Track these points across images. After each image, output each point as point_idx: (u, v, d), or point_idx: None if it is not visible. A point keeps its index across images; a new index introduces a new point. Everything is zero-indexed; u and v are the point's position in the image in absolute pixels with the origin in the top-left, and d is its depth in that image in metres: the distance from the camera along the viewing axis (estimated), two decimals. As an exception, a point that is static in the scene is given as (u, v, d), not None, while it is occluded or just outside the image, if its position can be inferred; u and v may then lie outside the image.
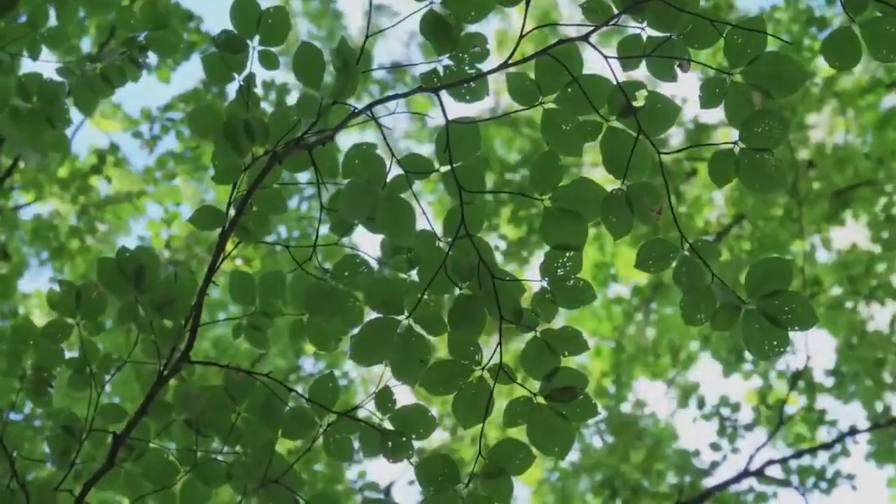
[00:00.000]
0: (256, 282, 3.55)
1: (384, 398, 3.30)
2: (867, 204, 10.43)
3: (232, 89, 3.44)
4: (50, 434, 3.73)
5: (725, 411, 10.20)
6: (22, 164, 9.60)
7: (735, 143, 2.82)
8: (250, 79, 3.39)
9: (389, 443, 3.27)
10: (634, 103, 2.82)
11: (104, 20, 8.31)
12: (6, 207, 9.97)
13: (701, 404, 10.45)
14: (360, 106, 3.13)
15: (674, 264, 2.92)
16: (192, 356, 3.46)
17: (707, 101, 2.82)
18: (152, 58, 4.46)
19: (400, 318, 2.94)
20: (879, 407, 10.35)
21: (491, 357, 2.85)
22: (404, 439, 3.25)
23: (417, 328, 2.91)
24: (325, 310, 3.40)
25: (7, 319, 9.76)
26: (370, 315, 3.40)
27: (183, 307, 3.50)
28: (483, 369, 2.86)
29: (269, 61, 3.40)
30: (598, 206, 2.88)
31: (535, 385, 2.92)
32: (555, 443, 2.86)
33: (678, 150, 3.11)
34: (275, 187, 3.39)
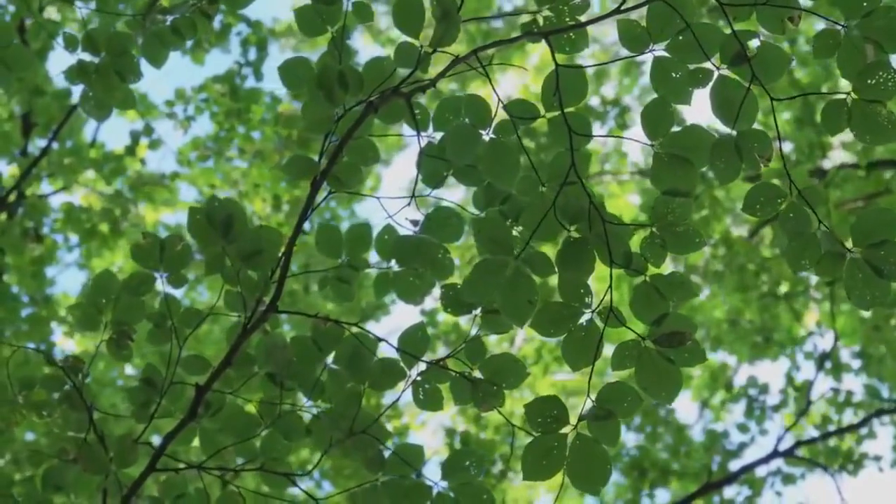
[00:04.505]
0: (343, 234, 3.55)
1: (475, 348, 3.32)
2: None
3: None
4: (130, 387, 3.72)
5: (753, 392, 10.22)
6: (55, 146, 9.54)
7: (847, 93, 2.84)
8: (344, 30, 3.40)
9: (480, 392, 3.28)
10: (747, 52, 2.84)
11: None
12: (34, 196, 9.88)
13: (729, 386, 10.48)
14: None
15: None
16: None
17: (820, 52, 2.84)
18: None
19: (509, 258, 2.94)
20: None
21: (601, 300, 2.86)
22: (495, 388, 3.27)
23: (526, 269, 2.92)
24: (416, 261, 3.41)
25: (36, 307, 9.67)
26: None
27: (269, 258, 3.50)
28: (594, 312, 2.87)
29: (362, 13, 3.41)
30: (707, 152, 2.90)
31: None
32: (662, 387, 2.87)
33: (791, 97, 3.11)
34: (367, 137, 3.39)
